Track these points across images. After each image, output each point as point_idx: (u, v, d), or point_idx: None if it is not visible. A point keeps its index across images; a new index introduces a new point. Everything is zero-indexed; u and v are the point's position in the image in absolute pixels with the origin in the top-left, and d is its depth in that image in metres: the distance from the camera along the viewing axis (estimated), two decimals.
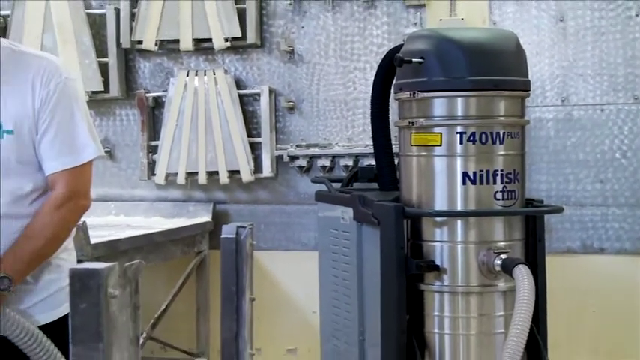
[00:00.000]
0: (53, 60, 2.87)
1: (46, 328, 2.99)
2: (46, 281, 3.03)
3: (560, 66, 5.91)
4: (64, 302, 3.03)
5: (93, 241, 4.63)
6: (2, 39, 2.88)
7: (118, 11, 6.51)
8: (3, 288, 2.74)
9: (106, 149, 6.59)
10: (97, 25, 6.58)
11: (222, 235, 2.40)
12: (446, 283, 4.39)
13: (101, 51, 6.55)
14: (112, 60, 6.55)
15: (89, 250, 4.46)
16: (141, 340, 1.83)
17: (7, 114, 2.79)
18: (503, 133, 4.35)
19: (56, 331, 2.95)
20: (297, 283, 6.19)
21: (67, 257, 3.08)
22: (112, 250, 4.83)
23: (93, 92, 6.50)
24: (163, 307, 6.18)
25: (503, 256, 4.28)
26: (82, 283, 1.71)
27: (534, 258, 4.44)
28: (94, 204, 6.21)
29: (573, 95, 5.91)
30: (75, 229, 3.07)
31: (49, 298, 3.05)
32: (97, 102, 6.61)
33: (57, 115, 2.80)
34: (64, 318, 3.00)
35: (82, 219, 4.48)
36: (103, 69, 6.54)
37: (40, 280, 3.01)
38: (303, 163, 6.32)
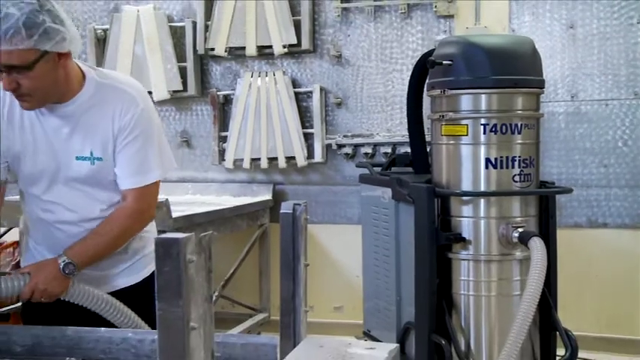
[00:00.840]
0: (132, 92, 2.83)
1: (131, 289, 3.02)
2: (133, 250, 3.04)
3: (570, 67, 5.86)
4: (146, 267, 3.05)
5: (174, 215, 4.68)
6: (91, 69, 2.86)
7: (194, 24, 6.53)
8: (68, 272, 2.76)
9: (184, 139, 6.70)
10: (177, 35, 6.59)
11: (281, 211, 2.39)
12: (470, 253, 4.38)
13: (181, 57, 6.57)
14: (189, 64, 6.56)
15: (171, 223, 4.49)
16: (213, 298, 1.82)
17: (95, 143, 2.79)
18: (521, 124, 4.32)
19: (140, 290, 2.97)
20: (343, 252, 6.18)
21: (149, 229, 3.09)
22: (189, 222, 4.86)
23: (174, 91, 6.55)
24: (232, 270, 6.22)
25: (520, 229, 4.27)
26: (165, 250, 1.71)
27: (547, 231, 4.42)
28: (175, 185, 6.32)
29: (581, 92, 5.86)
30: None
31: (135, 264, 3.06)
32: (177, 99, 6.65)
33: (131, 143, 2.79)
34: (146, 280, 3.03)
35: (165, 197, 4.54)
36: (182, 72, 6.56)
37: (129, 250, 3.03)
38: (348, 150, 6.31)
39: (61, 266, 2.74)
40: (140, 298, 2.80)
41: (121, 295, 2.97)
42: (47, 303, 2.81)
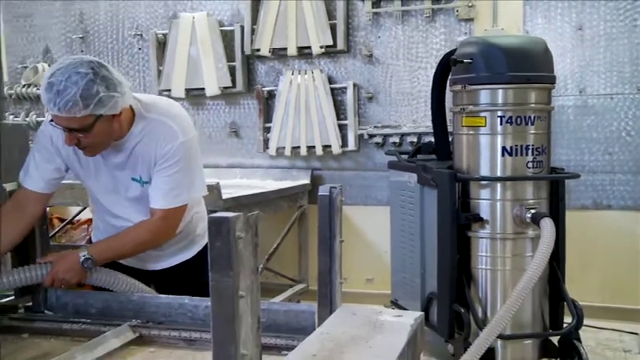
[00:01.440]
0: (174, 127, 2.82)
1: (186, 263, 3.04)
2: (187, 232, 3.06)
3: (579, 64, 5.80)
4: (197, 244, 3.06)
5: (224, 197, 4.68)
6: (139, 105, 2.87)
7: (242, 28, 6.53)
8: (86, 266, 2.78)
9: (233, 130, 6.72)
10: (227, 38, 6.59)
11: (319, 193, 2.39)
12: (487, 231, 4.38)
13: (230, 57, 6.58)
14: (238, 64, 6.57)
15: (221, 204, 4.50)
16: (259, 270, 1.83)
17: (143, 170, 2.83)
18: (534, 116, 4.31)
19: (193, 265, 2.99)
20: (374, 230, 6.17)
21: (200, 210, 3.10)
22: (236, 203, 4.87)
23: (224, 88, 6.58)
24: (274, 246, 6.22)
25: (533, 210, 4.27)
26: (217, 228, 1.72)
27: (557, 213, 4.40)
28: (224, 170, 6.33)
29: (589, 87, 5.81)
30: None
31: (188, 243, 3.08)
32: (227, 95, 6.67)
33: (166, 169, 2.80)
34: (198, 255, 3.04)
35: (216, 180, 4.55)
36: (231, 70, 6.57)
37: (183, 232, 3.04)
38: (378, 139, 6.29)
39: (81, 260, 2.77)
40: (193, 271, 2.82)
41: (177, 269, 3.00)
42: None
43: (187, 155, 2.83)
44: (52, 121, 2.69)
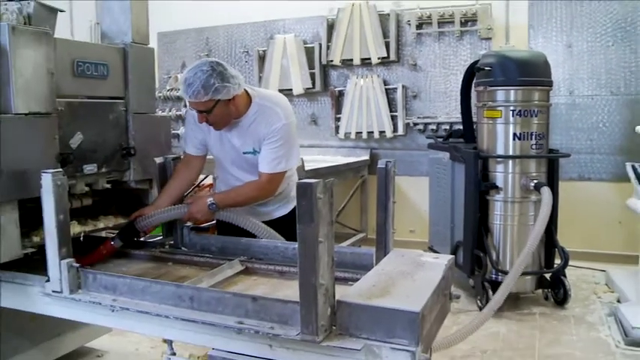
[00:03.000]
0: (279, 112, 2.82)
1: (283, 218, 3.05)
2: (285, 193, 3.06)
3: (569, 73, 5.69)
4: (291, 202, 3.07)
5: (306, 168, 4.71)
6: (255, 92, 2.88)
7: (320, 45, 6.52)
8: (212, 209, 2.79)
9: (313, 119, 6.72)
10: (309, 52, 6.58)
11: (378, 166, 2.38)
12: (501, 196, 4.39)
13: (311, 66, 6.57)
14: (316, 71, 6.56)
15: (304, 174, 4.52)
16: (333, 222, 1.84)
17: (255, 143, 2.83)
18: (537, 110, 4.31)
19: (287, 220, 3.00)
20: (416, 194, 6.14)
21: (295, 178, 3.10)
22: (316, 173, 4.88)
23: (306, 89, 6.58)
24: (342, 205, 6.28)
25: (535, 181, 4.28)
26: (304, 190, 1.74)
27: (552, 182, 4.39)
28: (307, 149, 6.37)
29: (576, 90, 5.69)
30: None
31: (285, 202, 3.09)
32: (308, 94, 6.65)
33: (271, 143, 2.79)
34: (291, 211, 3.05)
35: (300, 157, 4.57)
36: (312, 76, 6.57)
37: (282, 193, 3.05)
38: (420, 127, 6.23)
39: (208, 204, 2.79)
40: (288, 224, 2.82)
41: (276, 222, 3.01)
42: (232, 225, 2.88)
43: (287, 134, 2.82)
44: (186, 105, 2.80)
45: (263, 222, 2.88)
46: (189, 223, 2.98)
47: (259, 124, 2.81)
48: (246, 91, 2.84)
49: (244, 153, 2.88)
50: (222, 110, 2.73)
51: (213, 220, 2.96)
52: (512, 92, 4.30)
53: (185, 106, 4.49)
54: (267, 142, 2.80)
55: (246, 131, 2.84)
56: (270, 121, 2.79)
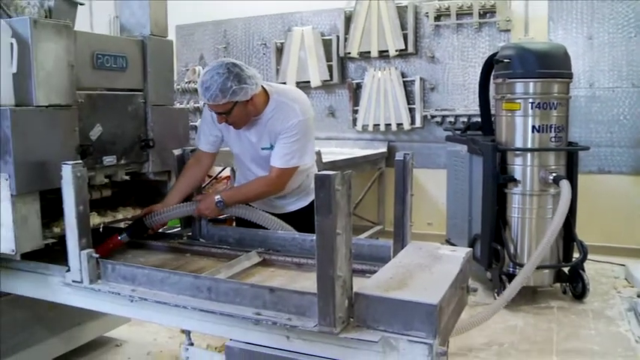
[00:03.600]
0: (297, 108, 2.81)
1: (301, 210, 3.05)
2: (303, 186, 3.06)
3: (589, 65, 5.64)
4: (309, 195, 3.07)
5: (323, 161, 4.71)
6: (272, 89, 2.88)
7: (338, 37, 6.51)
8: (219, 207, 2.81)
9: (330, 112, 6.73)
10: (326, 44, 6.57)
11: (396, 158, 2.38)
12: (519, 189, 4.37)
13: (329, 58, 6.56)
14: (334, 63, 6.55)
15: (322, 166, 4.52)
16: (351, 214, 1.84)
17: (272, 138, 2.82)
18: (556, 102, 4.29)
19: (306, 212, 3.00)
20: (433, 187, 6.11)
21: (314, 170, 3.10)
22: (333, 165, 4.87)
23: (324, 81, 6.58)
24: (360, 197, 6.28)
25: (554, 174, 4.26)
26: (322, 182, 1.74)
27: (571, 175, 4.37)
28: (324, 141, 6.37)
29: (596, 82, 5.63)
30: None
31: (303, 194, 3.09)
32: (326, 86, 6.65)
33: (286, 138, 2.78)
34: (310, 204, 3.05)
35: (317, 149, 4.56)
36: (329, 68, 6.56)
37: (300, 186, 3.05)
38: (438, 119, 6.20)
39: (216, 201, 2.80)
40: (306, 216, 2.82)
41: (294, 215, 3.02)
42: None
43: (303, 131, 2.82)
44: (204, 104, 2.81)
45: (280, 215, 2.89)
46: None
47: (276, 120, 2.81)
48: (263, 89, 2.84)
49: (262, 149, 2.88)
50: (241, 111, 2.74)
51: (223, 215, 2.98)
52: (531, 84, 4.27)
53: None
54: (282, 137, 2.80)
55: (264, 128, 2.85)
56: (287, 117, 2.79)
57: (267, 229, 2.83)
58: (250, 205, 2.91)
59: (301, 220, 2.93)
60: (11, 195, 2.37)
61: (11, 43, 2.41)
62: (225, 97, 2.65)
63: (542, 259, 3.94)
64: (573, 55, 4.52)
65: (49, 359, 3.26)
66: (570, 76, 4.39)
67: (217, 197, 2.81)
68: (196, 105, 7.19)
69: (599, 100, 5.66)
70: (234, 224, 3.33)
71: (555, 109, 4.26)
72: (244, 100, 2.70)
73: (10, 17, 2.56)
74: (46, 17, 2.64)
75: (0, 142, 2.36)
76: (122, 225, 3.12)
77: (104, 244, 2.76)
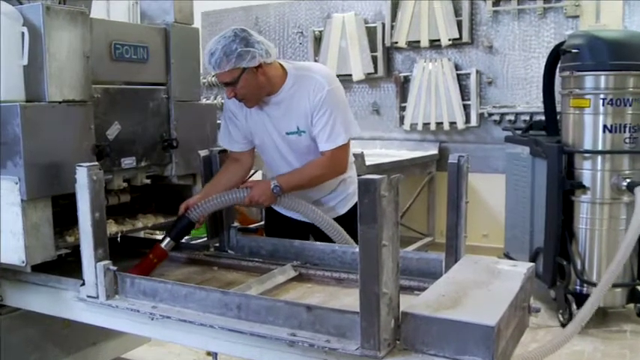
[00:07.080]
0: (319, 78, 2.81)
1: (340, 217, 3.05)
2: (340, 191, 3.06)
3: None
4: (348, 202, 3.06)
5: (367, 163, 4.72)
6: (290, 65, 2.88)
7: (383, 24, 6.53)
8: (276, 192, 2.80)
9: (375, 109, 6.75)
10: (371, 33, 6.59)
11: (450, 161, 2.36)
12: (588, 197, 4.35)
13: (373, 48, 6.59)
14: (379, 54, 6.57)
15: (364, 170, 4.52)
16: (398, 224, 1.83)
17: (300, 121, 2.82)
18: (632, 99, 4.26)
19: (348, 217, 2.99)
20: (490, 194, 6.06)
21: (352, 174, 3.11)
22: (378, 169, 4.87)
23: (368, 74, 6.60)
24: (407, 205, 6.26)
25: (628, 180, 4.23)
26: (366, 187, 1.74)
27: None
28: (368, 142, 6.37)
29: None
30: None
31: (341, 201, 3.08)
32: (370, 80, 6.68)
33: (322, 117, 2.78)
34: (349, 211, 3.04)
35: (360, 150, 4.56)
36: (374, 59, 6.58)
37: (338, 188, 3.05)
38: (496, 117, 6.18)
39: (272, 186, 2.80)
40: (345, 225, 2.82)
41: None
42: (282, 226, 2.89)
43: (336, 101, 2.82)
44: (214, 76, 2.84)
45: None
46: (236, 224, 3.01)
47: (301, 97, 2.81)
48: (280, 65, 2.85)
49: (288, 134, 2.88)
50: (250, 81, 2.72)
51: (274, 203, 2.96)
52: (602, 78, 4.24)
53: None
54: (317, 117, 2.80)
55: (287, 108, 2.84)
56: (313, 90, 2.79)
57: (306, 238, 2.84)
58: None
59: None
60: (21, 200, 2.40)
61: (22, 33, 2.45)
62: (231, 61, 2.65)
63: (615, 277, 3.88)
64: None
65: None
66: None
67: (273, 182, 2.82)
68: (223, 101, 7.26)
69: None
70: (263, 234, 3.34)
71: (630, 105, 4.23)
72: (253, 68, 2.70)
73: (21, 4, 2.59)
74: (59, 3, 2.68)
75: (9, 142, 2.40)
76: (142, 234, 3.15)
77: (144, 261, 2.73)
